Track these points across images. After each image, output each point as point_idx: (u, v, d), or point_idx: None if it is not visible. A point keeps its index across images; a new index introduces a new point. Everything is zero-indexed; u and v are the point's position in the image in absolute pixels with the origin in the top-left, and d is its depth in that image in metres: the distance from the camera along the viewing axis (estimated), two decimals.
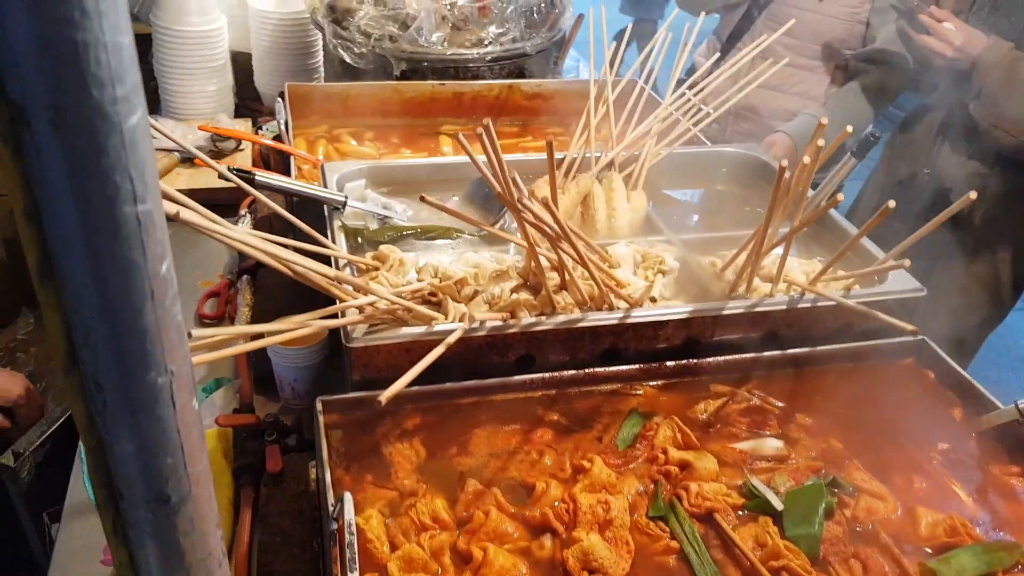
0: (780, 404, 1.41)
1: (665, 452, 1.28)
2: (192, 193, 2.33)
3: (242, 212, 2.19)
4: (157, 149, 2.49)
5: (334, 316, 1.22)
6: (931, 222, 1.35)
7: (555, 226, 1.15)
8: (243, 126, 2.66)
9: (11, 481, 1.79)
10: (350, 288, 1.25)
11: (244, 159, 2.50)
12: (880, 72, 2.67)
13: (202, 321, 2.00)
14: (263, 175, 1.50)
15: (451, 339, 1.18)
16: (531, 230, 1.25)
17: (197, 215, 0.99)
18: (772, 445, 1.32)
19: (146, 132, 0.49)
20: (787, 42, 2.72)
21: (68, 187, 0.47)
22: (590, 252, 1.38)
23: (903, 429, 1.40)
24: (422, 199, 1.12)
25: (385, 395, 1.01)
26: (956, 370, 1.46)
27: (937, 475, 1.32)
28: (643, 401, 1.39)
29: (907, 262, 1.32)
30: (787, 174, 1.20)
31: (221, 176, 1.43)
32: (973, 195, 1.21)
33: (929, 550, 1.20)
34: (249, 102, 2.97)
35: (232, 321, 1.96)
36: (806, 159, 1.21)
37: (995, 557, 1.17)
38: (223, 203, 2.24)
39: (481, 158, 1.17)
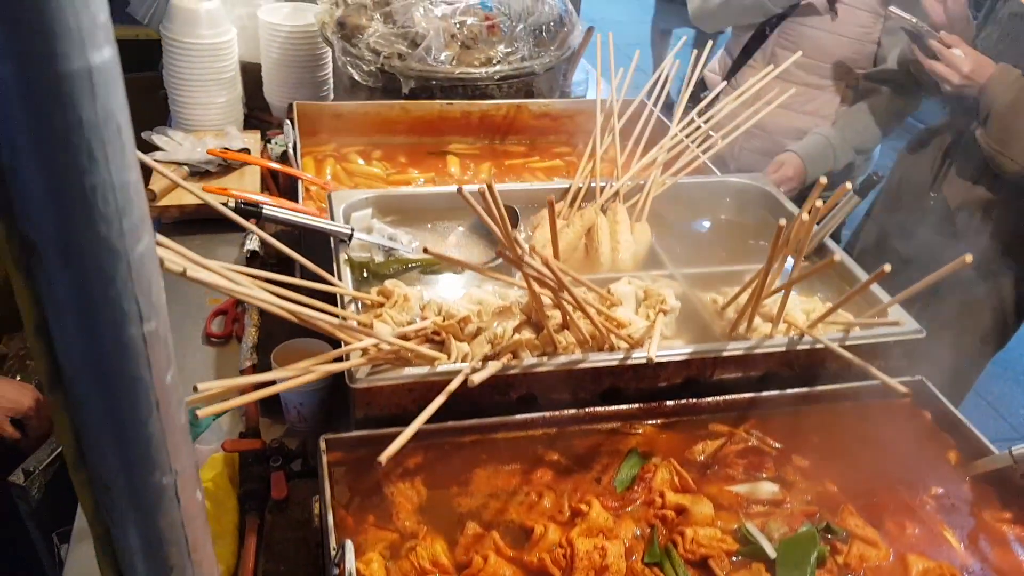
0: (777, 445, 1.43)
1: (662, 495, 1.30)
2: (203, 207, 2.37)
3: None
4: (168, 162, 2.52)
5: (339, 359, 1.23)
6: (927, 279, 1.36)
7: (555, 279, 1.17)
8: (252, 138, 2.67)
9: (21, 499, 1.82)
10: (355, 326, 1.27)
11: (253, 173, 2.51)
12: (890, 92, 2.67)
13: (209, 340, 2.02)
14: (269, 208, 1.52)
15: (452, 387, 1.19)
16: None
17: (205, 271, 1.01)
18: (768, 489, 1.34)
19: (152, 256, 0.51)
20: (798, 60, 2.72)
21: (76, 312, 0.49)
22: (591, 295, 1.39)
23: (898, 472, 1.41)
24: (425, 251, 1.14)
25: (384, 456, 1.03)
26: (952, 412, 1.47)
27: (930, 521, 1.33)
28: (642, 440, 1.41)
29: (900, 320, 1.33)
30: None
31: (229, 207, 1.45)
32: (969, 259, 1.22)
33: None
34: (258, 112, 2.98)
35: (239, 340, 1.98)
36: (804, 216, 1.22)
37: None
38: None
39: (473, 186, 1.18)
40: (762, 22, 2.79)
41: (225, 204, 1.54)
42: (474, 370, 1.22)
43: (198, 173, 2.50)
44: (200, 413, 1.00)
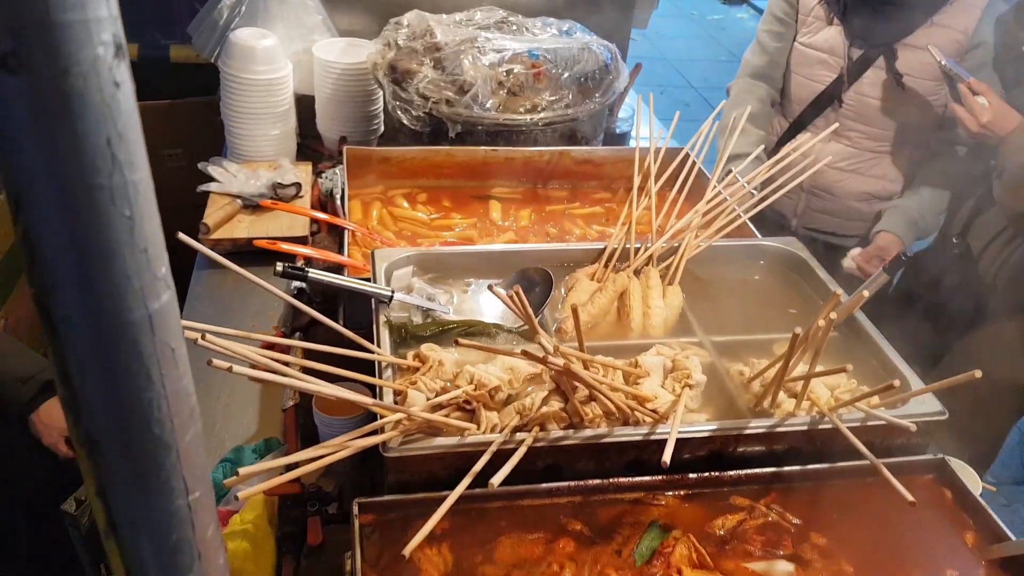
0: (796, 521, 1.46)
1: (680, 572, 1.34)
2: (253, 240, 2.46)
3: (299, 263, 2.29)
4: (222, 194, 2.61)
5: (374, 431, 1.31)
6: (940, 383, 1.38)
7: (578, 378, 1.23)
8: (304, 171, 2.76)
9: (72, 527, 1.92)
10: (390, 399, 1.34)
11: (303, 204, 2.60)
12: (967, 153, 2.66)
13: None
14: (314, 272, 1.60)
15: (476, 468, 1.26)
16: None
17: (250, 367, 1.09)
18: (783, 569, 1.38)
19: (199, 442, 0.58)
20: (865, 130, 2.73)
21: (130, 489, 0.56)
22: (617, 372, 1.45)
23: (914, 552, 1.44)
24: (456, 343, 1.21)
25: (408, 548, 1.10)
26: (971, 494, 1.50)
27: None
28: (664, 512, 1.46)
29: (912, 427, 1.37)
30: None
31: (277, 273, 1.54)
32: (978, 374, 1.25)
33: None
34: (311, 140, 3.07)
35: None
36: (821, 322, 1.27)
37: None
38: (282, 253, 2.36)
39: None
40: (825, 93, 2.78)
41: (276, 264, 1.63)
42: (499, 453, 1.28)
43: (249, 205, 2.59)
44: (241, 495, 1.08)
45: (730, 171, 2.15)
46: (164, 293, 0.49)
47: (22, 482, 2.32)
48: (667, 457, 1.21)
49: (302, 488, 1.67)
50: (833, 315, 1.27)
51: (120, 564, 0.62)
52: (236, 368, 1.04)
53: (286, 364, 1.21)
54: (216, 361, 1.01)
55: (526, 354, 1.17)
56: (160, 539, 0.59)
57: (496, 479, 1.17)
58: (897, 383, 1.29)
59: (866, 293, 1.37)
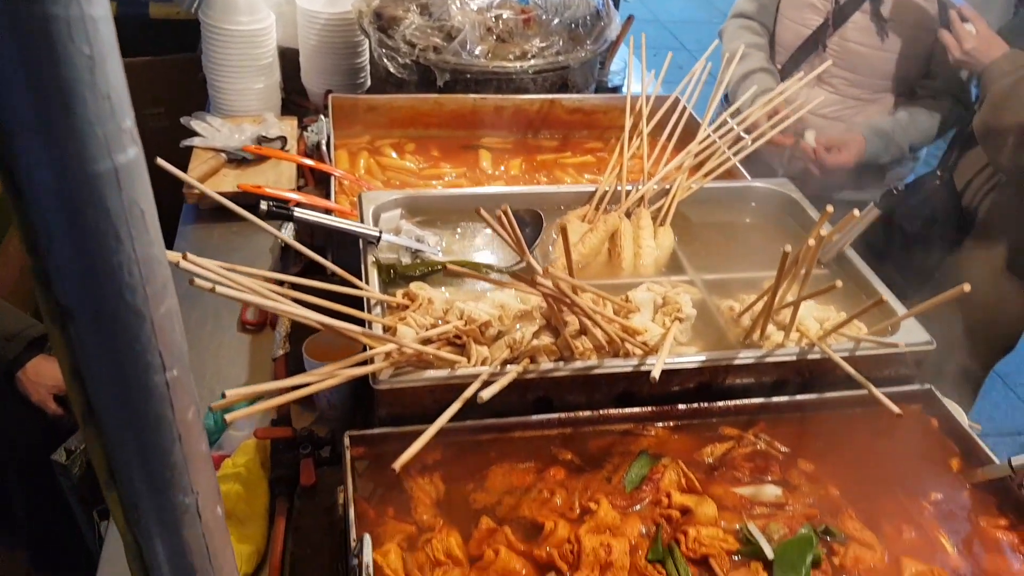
0: (784, 449, 1.47)
1: (669, 496, 1.35)
2: (240, 194, 2.44)
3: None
4: (206, 148, 2.59)
5: (363, 362, 1.30)
6: (929, 302, 1.38)
7: (568, 299, 1.23)
8: (289, 125, 2.74)
9: (63, 476, 1.92)
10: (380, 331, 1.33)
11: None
12: (951, 100, 2.66)
13: (244, 327, 2.09)
14: (300, 211, 1.59)
15: (467, 394, 1.26)
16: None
17: (233, 289, 1.08)
18: (771, 492, 1.39)
19: (175, 314, 0.57)
20: (849, 77, 2.71)
21: (106, 363, 0.56)
22: (607, 304, 1.45)
23: (900, 477, 1.46)
24: (445, 271, 1.20)
25: (398, 463, 1.10)
26: (957, 421, 1.51)
27: (927, 525, 1.38)
28: (654, 442, 1.46)
29: (902, 344, 1.37)
30: (788, 249, 1.26)
31: (261, 212, 1.53)
32: (967, 287, 1.25)
33: None
34: (296, 96, 3.04)
35: (273, 328, 2.06)
36: (811, 242, 1.26)
37: None
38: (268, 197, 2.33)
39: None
40: (810, 39, 2.76)
41: (261, 202, 1.62)
42: (487, 383, 1.28)
43: (235, 160, 2.56)
44: (228, 418, 1.08)
45: (725, 96, 2.13)
46: (131, 147, 0.48)
47: (12, 441, 2.32)
48: (656, 373, 1.21)
49: (294, 432, 1.67)
50: (823, 232, 1.26)
51: (100, 448, 0.61)
52: (219, 289, 1.03)
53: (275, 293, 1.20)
54: (198, 281, 1.00)
55: (515, 276, 1.16)
56: (138, 419, 0.59)
57: (486, 393, 1.17)
58: (886, 299, 1.29)
59: (857, 212, 1.36)
